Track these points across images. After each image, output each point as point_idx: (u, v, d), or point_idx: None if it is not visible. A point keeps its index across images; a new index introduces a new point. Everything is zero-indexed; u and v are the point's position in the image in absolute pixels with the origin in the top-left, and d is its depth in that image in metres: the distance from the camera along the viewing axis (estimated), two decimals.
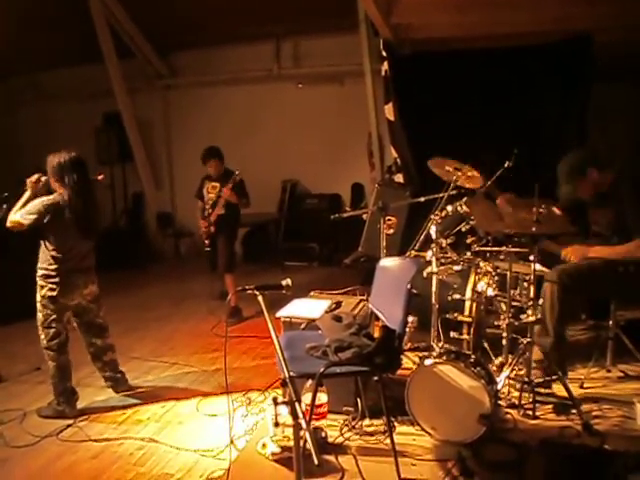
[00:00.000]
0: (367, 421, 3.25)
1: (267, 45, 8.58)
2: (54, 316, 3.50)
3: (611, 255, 3.42)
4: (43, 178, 3.56)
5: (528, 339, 3.35)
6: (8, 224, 3.48)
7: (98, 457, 3.08)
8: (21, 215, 3.42)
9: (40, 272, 3.52)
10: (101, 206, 3.83)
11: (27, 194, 3.54)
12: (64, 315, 3.57)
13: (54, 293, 3.47)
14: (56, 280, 3.47)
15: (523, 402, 3.28)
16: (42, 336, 3.55)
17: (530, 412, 3.22)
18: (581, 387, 3.57)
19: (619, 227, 3.45)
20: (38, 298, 3.52)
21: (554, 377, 3.34)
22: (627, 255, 3.38)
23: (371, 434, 3.14)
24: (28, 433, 3.33)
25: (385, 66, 6.20)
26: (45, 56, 8.65)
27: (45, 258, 3.50)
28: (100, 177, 4.11)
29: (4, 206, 3.91)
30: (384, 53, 6.17)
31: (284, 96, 8.70)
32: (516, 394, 3.35)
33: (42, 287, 3.50)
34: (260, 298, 2.24)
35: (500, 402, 3.26)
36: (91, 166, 3.77)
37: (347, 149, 8.36)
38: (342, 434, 3.14)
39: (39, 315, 3.54)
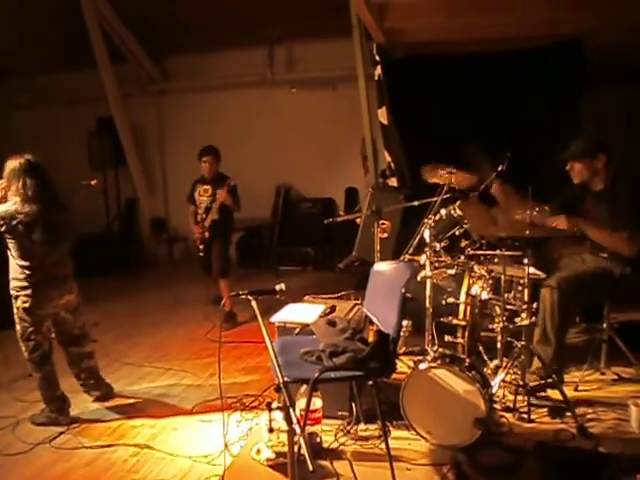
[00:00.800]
0: (362, 426, 3.25)
1: (260, 50, 8.58)
2: (32, 328, 3.42)
3: (598, 234, 3.45)
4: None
5: (523, 342, 3.35)
6: None
7: (92, 464, 3.06)
8: None
9: (12, 284, 3.43)
10: (73, 209, 3.65)
11: None
12: (42, 326, 3.47)
13: (27, 305, 3.38)
14: (28, 292, 3.37)
15: (518, 405, 3.28)
16: (23, 348, 3.49)
17: (525, 415, 3.22)
18: (576, 390, 3.57)
19: (614, 226, 3.46)
20: (14, 310, 3.44)
21: (549, 381, 3.34)
22: (610, 244, 3.43)
23: (366, 439, 3.13)
24: (21, 440, 3.31)
25: (378, 70, 6.22)
26: (38, 60, 8.61)
27: (14, 269, 3.41)
28: (93, 182, 4.11)
29: None
30: (377, 57, 6.18)
31: (278, 101, 8.71)
32: (511, 397, 3.35)
33: (16, 299, 3.42)
34: (254, 303, 2.24)
35: (495, 406, 3.26)
36: (84, 171, 3.76)
37: (341, 153, 8.37)
38: (337, 439, 3.13)
39: (17, 327, 3.46)
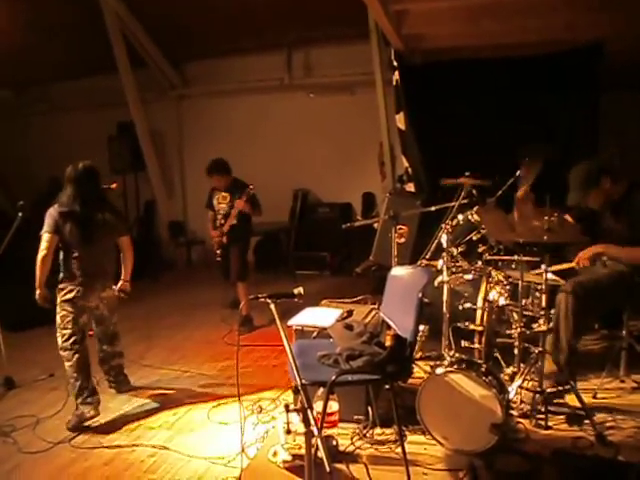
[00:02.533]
0: (378, 430, 3.25)
1: (278, 55, 8.63)
2: (70, 317, 3.60)
3: (626, 255, 3.40)
4: None
5: (540, 348, 3.33)
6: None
7: (110, 464, 3.10)
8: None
9: (60, 275, 3.65)
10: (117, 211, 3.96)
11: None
12: (81, 317, 3.65)
13: (71, 295, 3.60)
14: (74, 282, 3.61)
15: (535, 411, 3.25)
16: (58, 337, 3.65)
17: (542, 422, 3.19)
18: (594, 397, 3.54)
19: (631, 237, 3.42)
20: (57, 301, 3.64)
21: (566, 387, 3.31)
22: (634, 259, 3.37)
23: (382, 443, 3.13)
24: (41, 439, 3.37)
25: (396, 76, 6.24)
26: (60, 66, 8.77)
27: (62, 262, 3.64)
28: (113, 186, 4.19)
29: (20, 214, 3.98)
30: (395, 63, 6.21)
31: (296, 105, 8.75)
32: (528, 404, 3.32)
33: (60, 290, 3.64)
34: (272, 306, 2.26)
35: (512, 412, 3.24)
36: (104, 175, 3.85)
37: (358, 158, 8.38)
38: (353, 443, 3.13)
39: (57, 318, 3.65)
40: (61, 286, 3.64)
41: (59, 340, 3.64)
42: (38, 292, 3.61)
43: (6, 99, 9.87)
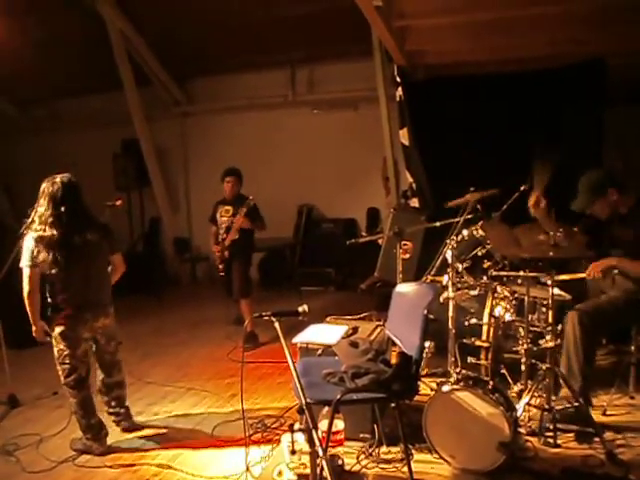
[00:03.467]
0: (384, 448, 3.21)
1: (282, 71, 8.70)
2: (67, 352, 3.36)
3: (631, 268, 3.37)
4: None
5: (547, 365, 3.29)
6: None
7: None
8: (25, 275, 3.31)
9: (48, 307, 3.40)
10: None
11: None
12: (78, 350, 3.39)
13: (62, 328, 3.34)
14: (61, 315, 3.34)
15: (544, 430, 3.21)
16: (59, 372, 3.42)
17: (551, 440, 3.15)
18: (604, 414, 3.49)
19: (638, 250, 3.40)
20: (52, 333, 3.39)
21: (575, 404, 3.27)
22: None
23: (388, 462, 3.10)
24: (45, 458, 3.34)
25: (399, 91, 6.26)
26: (65, 84, 8.86)
27: (48, 293, 3.38)
28: (118, 202, 4.17)
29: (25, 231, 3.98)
30: (398, 79, 6.24)
31: (299, 122, 8.80)
32: (536, 421, 3.28)
33: (51, 321, 3.39)
34: (277, 324, 2.25)
35: (520, 430, 3.20)
36: (109, 191, 3.82)
37: (362, 174, 8.39)
38: (359, 461, 3.10)
39: (54, 350, 3.41)
40: (50, 316, 3.37)
41: (60, 375, 3.41)
42: (34, 329, 3.37)
43: (12, 116, 9.96)
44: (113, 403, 3.69)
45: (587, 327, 3.35)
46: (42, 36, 7.55)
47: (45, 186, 3.38)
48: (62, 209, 3.30)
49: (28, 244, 3.28)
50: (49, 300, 3.38)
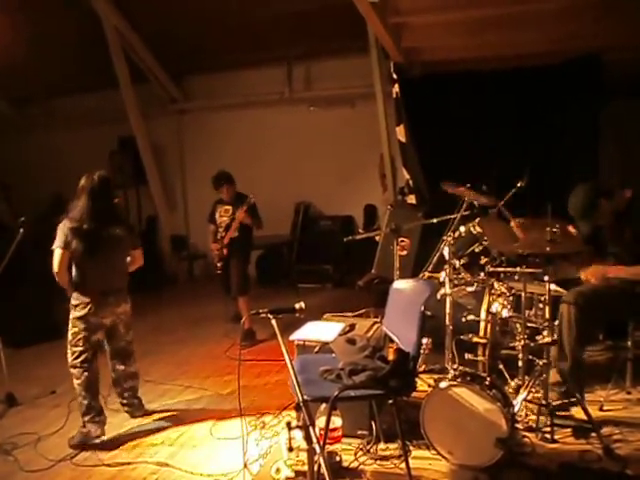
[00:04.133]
0: (382, 445, 3.22)
1: (279, 68, 8.69)
2: (82, 334, 3.52)
3: (632, 276, 3.38)
4: None
5: (544, 360, 3.30)
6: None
7: None
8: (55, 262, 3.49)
9: (73, 293, 3.58)
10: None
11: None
12: (94, 334, 3.57)
13: (84, 312, 3.51)
14: (86, 299, 3.52)
15: (541, 425, 3.22)
16: (69, 354, 3.57)
17: (548, 435, 3.16)
18: (600, 410, 3.50)
19: (636, 246, 3.41)
20: (71, 317, 3.56)
21: (572, 400, 3.28)
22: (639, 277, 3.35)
23: (386, 458, 3.10)
24: (42, 457, 3.34)
25: (396, 88, 6.27)
26: (61, 81, 8.83)
27: (75, 279, 3.57)
28: (115, 200, 4.18)
29: (21, 230, 3.99)
30: (395, 75, 6.24)
31: (296, 119, 8.79)
32: (533, 417, 3.29)
33: (74, 306, 3.55)
34: (274, 322, 2.25)
35: (517, 425, 3.20)
36: None
37: (359, 171, 8.39)
38: (357, 458, 3.10)
39: (69, 334, 3.57)
40: (74, 302, 3.56)
41: (69, 357, 3.56)
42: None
43: (7, 114, 9.93)
44: (126, 394, 3.84)
45: (582, 307, 3.36)
46: (37, 33, 7.51)
47: (84, 181, 3.58)
48: (98, 204, 3.54)
49: (63, 230, 3.47)
50: (74, 284, 3.56)
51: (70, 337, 3.56)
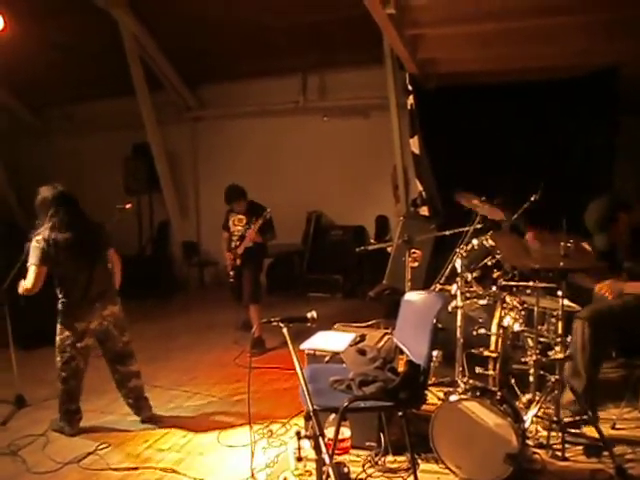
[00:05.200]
0: (390, 457, 3.19)
1: (293, 78, 8.71)
2: (69, 341, 3.56)
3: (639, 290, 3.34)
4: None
5: (556, 376, 3.26)
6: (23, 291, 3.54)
7: None
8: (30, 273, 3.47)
9: (61, 300, 3.60)
10: (104, 230, 3.84)
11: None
12: (81, 340, 3.58)
13: (69, 319, 3.56)
14: (70, 306, 3.56)
15: (552, 442, 3.18)
16: (57, 359, 3.63)
17: (559, 453, 3.12)
18: (613, 428, 3.45)
19: None
20: (57, 322, 3.61)
21: (584, 417, 3.23)
22: None
23: (394, 471, 3.08)
24: (50, 459, 3.35)
25: (411, 100, 6.26)
26: (78, 88, 8.95)
27: (57, 288, 3.59)
28: (128, 206, 4.21)
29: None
30: (410, 87, 6.23)
31: (310, 128, 8.81)
32: (544, 434, 3.25)
33: (59, 312, 3.60)
34: (285, 330, 2.24)
35: (528, 441, 3.17)
36: (119, 195, 3.84)
37: (372, 181, 8.39)
38: (365, 470, 3.08)
39: (57, 338, 3.61)
40: (60, 308, 3.58)
41: (57, 361, 3.62)
42: None
43: (26, 119, 10.06)
44: (131, 395, 3.83)
45: (596, 325, 3.33)
46: (57, 41, 7.63)
47: (46, 193, 3.58)
48: (67, 211, 3.54)
49: (40, 246, 3.44)
50: (59, 294, 3.57)
51: (58, 342, 3.61)
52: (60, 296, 3.58)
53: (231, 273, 5.64)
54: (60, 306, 3.58)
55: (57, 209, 3.52)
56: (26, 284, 3.48)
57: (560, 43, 5.30)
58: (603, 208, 3.49)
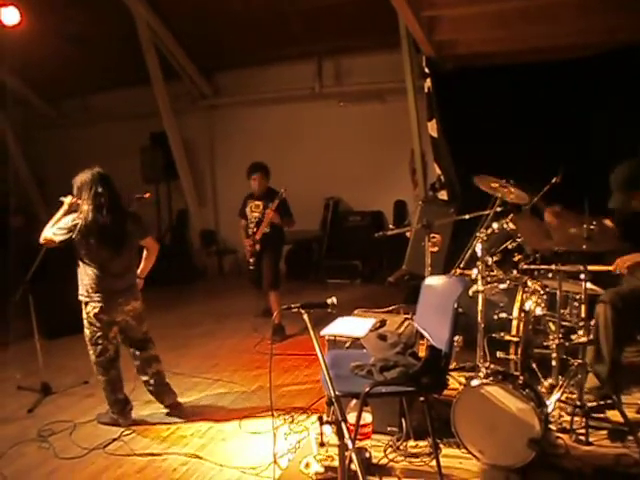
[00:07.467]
0: (412, 442, 3.19)
1: (309, 64, 8.66)
2: (100, 333, 3.57)
3: None
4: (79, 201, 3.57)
5: (579, 360, 3.23)
6: (41, 240, 3.55)
7: (142, 472, 3.12)
8: (52, 232, 3.49)
9: (81, 290, 3.58)
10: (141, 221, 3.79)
11: (61, 211, 3.61)
12: (110, 331, 3.60)
13: (96, 311, 3.53)
14: (97, 298, 3.52)
15: (575, 427, 3.15)
16: (90, 352, 3.64)
17: (583, 437, 3.08)
18: (638, 412, 3.40)
19: None
20: (84, 315, 3.59)
21: (608, 402, 3.20)
22: None
23: (416, 455, 3.07)
24: (76, 445, 3.41)
25: (428, 83, 6.19)
26: (95, 79, 9.00)
27: (84, 276, 3.56)
28: (147, 195, 4.22)
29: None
30: (426, 70, 6.17)
31: (326, 114, 8.76)
32: (567, 418, 3.22)
33: (85, 305, 3.58)
34: (305, 316, 2.24)
35: (551, 426, 3.14)
36: (137, 184, 3.85)
37: (389, 166, 8.33)
38: (386, 455, 3.09)
39: (86, 332, 3.61)
40: (83, 299, 3.57)
41: (91, 355, 3.62)
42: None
43: (44, 111, 10.15)
44: (152, 381, 3.81)
45: (619, 308, 3.28)
46: (72, 32, 7.66)
47: (81, 179, 3.53)
48: (101, 199, 3.47)
49: (67, 222, 3.46)
50: (84, 282, 3.56)
51: (88, 335, 3.60)
52: (82, 284, 3.56)
53: (251, 260, 5.65)
54: (83, 296, 3.56)
55: (97, 190, 3.47)
56: (46, 234, 3.49)
57: (582, 20, 5.18)
58: (632, 167, 3.42)
